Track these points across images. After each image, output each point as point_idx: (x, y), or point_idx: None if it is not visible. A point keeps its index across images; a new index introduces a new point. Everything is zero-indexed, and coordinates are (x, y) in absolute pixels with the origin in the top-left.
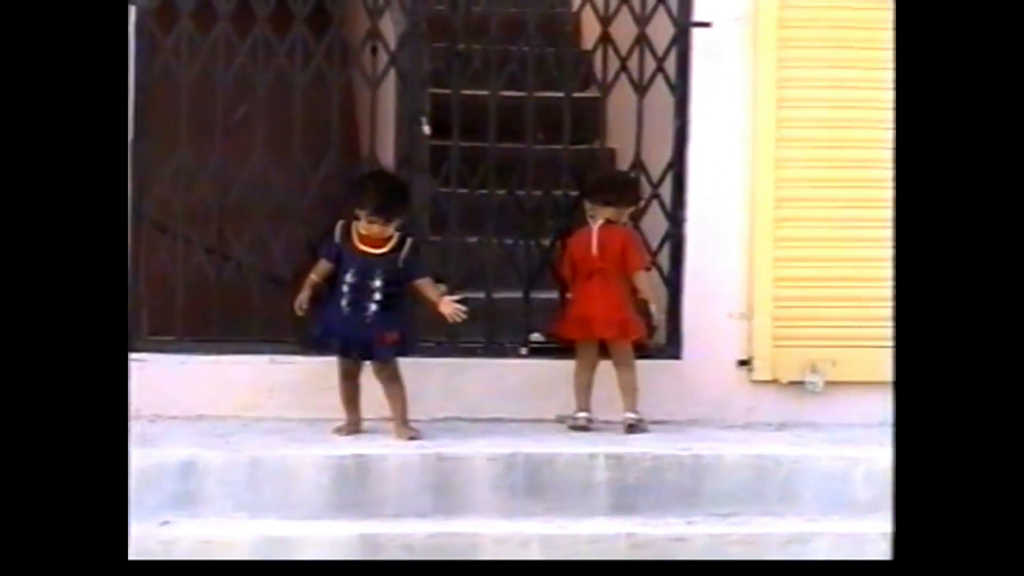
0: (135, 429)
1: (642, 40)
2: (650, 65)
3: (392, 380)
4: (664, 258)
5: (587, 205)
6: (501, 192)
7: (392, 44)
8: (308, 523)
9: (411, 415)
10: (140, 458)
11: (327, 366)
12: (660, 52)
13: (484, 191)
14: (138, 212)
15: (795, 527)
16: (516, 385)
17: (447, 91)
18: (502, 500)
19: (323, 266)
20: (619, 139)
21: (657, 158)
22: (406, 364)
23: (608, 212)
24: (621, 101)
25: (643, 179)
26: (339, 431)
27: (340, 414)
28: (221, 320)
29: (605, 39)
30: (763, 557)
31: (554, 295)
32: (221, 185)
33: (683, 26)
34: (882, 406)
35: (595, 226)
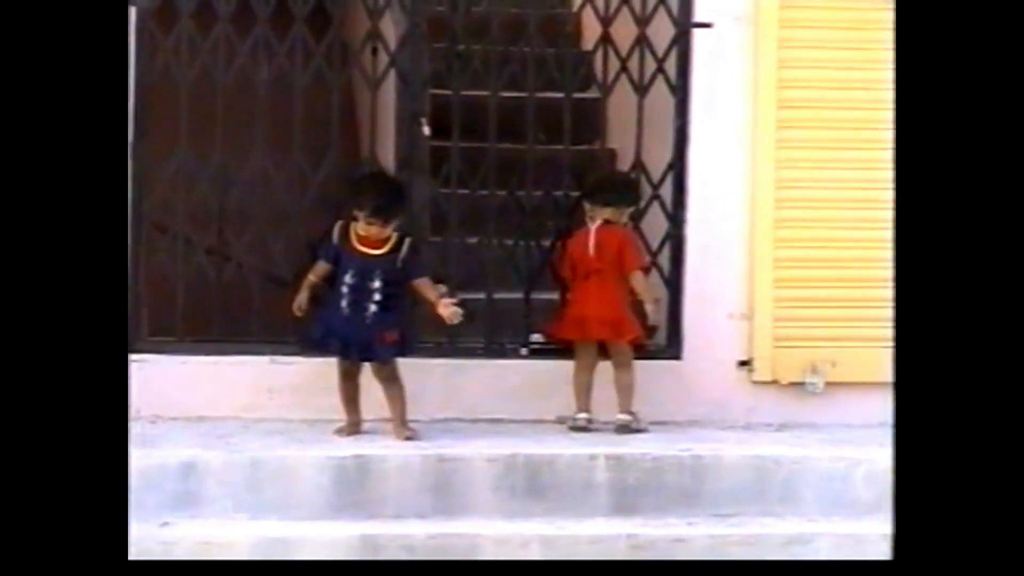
0: (135, 430)
1: (642, 41)
2: (650, 66)
3: (391, 380)
4: (664, 259)
5: (586, 206)
6: (501, 193)
7: (392, 45)
8: (308, 524)
9: (411, 416)
10: (140, 459)
11: (327, 367)
12: (660, 53)
13: (484, 192)
14: (138, 212)
15: (795, 528)
16: (516, 386)
17: (447, 92)
18: (502, 501)
19: (321, 267)
20: (619, 140)
21: (657, 159)
22: (406, 364)
23: (607, 212)
24: (621, 102)
25: (643, 180)
26: (339, 432)
27: (340, 415)
28: (221, 321)
29: (605, 40)
30: (763, 558)
31: (555, 296)
32: (221, 185)
33: (684, 27)
34: (882, 407)
35: (593, 227)
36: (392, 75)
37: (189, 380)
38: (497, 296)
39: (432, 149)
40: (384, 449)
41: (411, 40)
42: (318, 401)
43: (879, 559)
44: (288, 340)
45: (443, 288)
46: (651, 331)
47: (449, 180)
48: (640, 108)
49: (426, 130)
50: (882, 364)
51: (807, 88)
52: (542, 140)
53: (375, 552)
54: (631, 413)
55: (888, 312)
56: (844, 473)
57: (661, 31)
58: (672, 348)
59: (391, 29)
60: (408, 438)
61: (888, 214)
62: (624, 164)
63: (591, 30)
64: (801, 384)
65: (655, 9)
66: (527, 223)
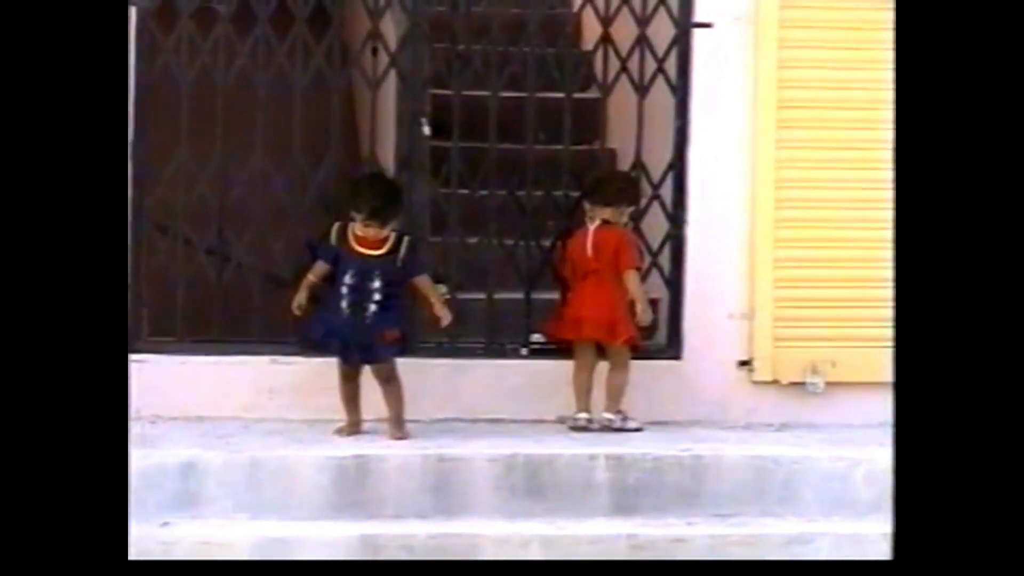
0: (136, 430)
1: (643, 41)
2: (651, 66)
3: (390, 380)
4: (665, 259)
5: (586, 205)
6: (502, 193)
7: (392, 45)
8: (308, 524)
9: (412, 415)
10: (141, 459)
11: (327, 367)
12: (661, 53)
13: (485, 192)
14: (139, 213)
15: (796, 528)
16: (517, 386)
17: (448, 92)
18: (502, 501)
19: (321, 267)
20: (620, 140)
21: (658, 159)
22: (406, 364)
23: (606, 212)
24: (622, 102)
25: (644, 180)
26: (339, 432)
27: (340, 415)
28: (221, 321)
29: (606, 40)
30: (763, 558)
31: (555, 296)
32: (221, 186)
33: (684, 27)
34: (883, 407)
35: (592, 227)
36: (392, 75)
37: (189, 380)
38: (497, 296)
39: (432, 149)
40: (384, 449)
41: (411, 40)
42: (318, 401)
43: (879, 559)
44: (288, 340)
45: (443, 288)
46: (647, 332)
47: (449, 180)
48: (640, 108)
49: (426, 130)
50: (882, 364)
51: (807, 88)
52: (542, 140)
53: (375, 552)
54: (616, 412)
55: (888, 312)
56: (844, 473)
57: (661, 31)
58: (672, 348)
59: (391, 29)
60: (399, 438)
61: (888, 214)
62: (624, 164)
63: (591, 30)
64: (801, 384)
65: (655, 9)
66: (527, 223)
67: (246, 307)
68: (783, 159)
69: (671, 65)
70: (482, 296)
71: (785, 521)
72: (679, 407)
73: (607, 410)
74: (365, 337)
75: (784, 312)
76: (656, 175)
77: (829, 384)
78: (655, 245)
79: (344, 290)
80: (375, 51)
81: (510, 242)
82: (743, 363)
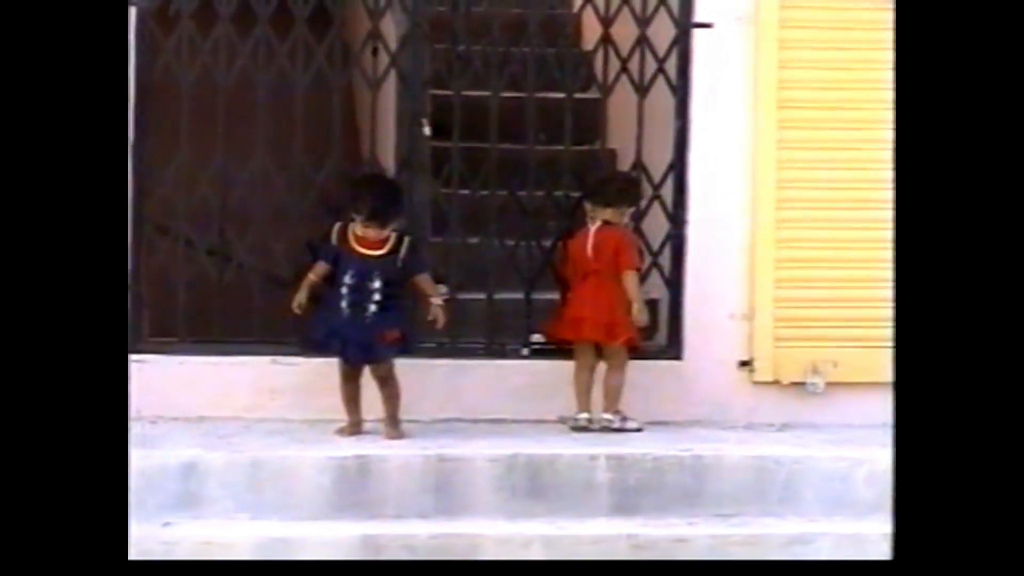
0: (137, 430)
1: (643, 41)
2: (651, 66)
3: (387, 380)
4: (665, 259)
5: (587, 206)
6: (502, 193)
7: (393, 45)
8: (309, 524)
9: (413, 415)
10: (142, 459)
11: (328, 367)
12: (661, 53)
13: (485, 192)
14: (139, 213)
15: (796, 528)
16: (517, 386)
17: (448, 92)
18: (503, 501)
19: (321, 267)
20: (620, 140)
21: (658, 159)
22: (407, 364)
23: (607, 213)
24: (622, 102)
25: (644, 180)
26: (340, 432)
27: (341, 415)
28: (222, 321)
29: (606, 40)
30: (765, 558)
31: (555, 296)
32: (222, 186)
33: (684, 27)
34: (883, 407)
35: (592, 228)
36: (393, 75)
37: (190, 380)
38: (498, 296)
39: (433, 149)
40: (385, 449)
41: (412, 40)
42: (319, 401)
43: (880, 559)
44: (289, 341)
45: (443, 288)
46: (647, 333)
47: (450, 180)
48: (640, 108)
49: (427, 130)
50: (883, 364)
51: (807, 88)
52: (543, 140)
53: (376, 552)
54: (615, 413)
55: (889, 312)
56: (845, 473)
57: (661, 31)
58: (673, 348)
59: (392, 30)
60: (394, 438)
61: (889, 214)
62: (624, 164)
63: (591, 30)
64: (802, 384)
65: (655, 9)
66: (528, 223)
67: (247, 307)
68: (783, 159)
69: (671, 65)
70: (483, 296)
71: (786, 521)
72: (680, 407)
73: (605, 411)
74: (365, 337)
75: (785, 312)
76: (656, 175)
77: (830, 384)
78: (656, 245)
79: (344, 290)
80: (375, 51)
81: (511, 242)
82: (744, 363)
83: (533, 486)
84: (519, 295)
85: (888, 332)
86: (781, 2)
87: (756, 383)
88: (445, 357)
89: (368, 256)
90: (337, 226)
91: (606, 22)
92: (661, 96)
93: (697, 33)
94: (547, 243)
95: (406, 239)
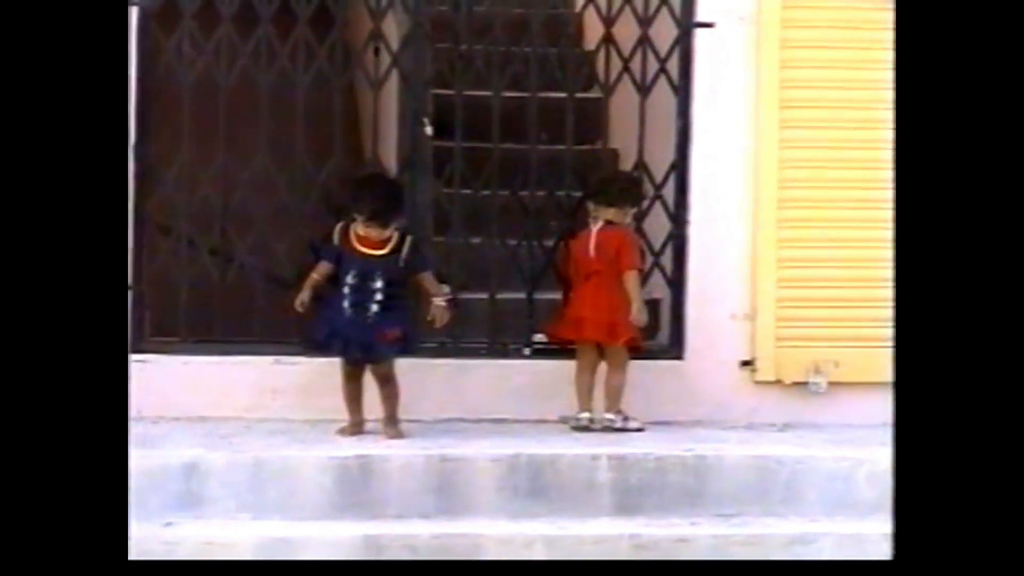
0: (138, 430)
1: (645, 41)
2: (653, 66)
3: (387, 379)
4: (667, 259)
5: (590, 206)
6: (504, 193)
7: (395, 45)
8: (311, 524)
9: (414, 415)
10: (143, 459)
11: (330, 367)
12: (663, 53)
13: (487, 192)
14: (141, 213)
15: (798, 528)
16: (519, 386)
17: (450, 92)
18: (505, 501)
19: (324, 266)
20: (622, 140)
21: (660, 159)
22: (409, 364)
23: (610, 213)
24: (624, 102)
25: (646, 180)
26: (342, 432)
27: (343, 415)
28: (224, 321)
29: (608, 40)
30: (766, 558)
31: (557, 296)
32: (224, 186)
33: (686, 27)
34: (885, 407)
35: (595, 228)
36: (394, 75)
37: (192, 380)
38: (500, 296)
39: (435, 149)
40: (387, 449)
41: (413, 40)
42: (321, 401)
43: (882, 559)
44: (291, 341)
45: (446, 288)
46: (648, 333)
47: (452, 180)
48: (642, 108)
49: (429, 130)
50: (885, 364)
51: (809, 88)
52: (545, 140)
53: (378, 552)
54: (616, 413)
55: (891, 312)
56: (847, 473)
57: (663, 31)
58: (675, 348)
59: (393, 29)
60: (393, 437)
61: (891, 214)
62: (626, 164)
63: (593, 30)
64: (804, 384)
65: (657, 9)
66: (530, 223)
67: (249, 308)
68: (785, 159)
69: (673, 65)
70: (485, 296)
71: (788, 521)
72: (681, 407)
73: (607, 411)
74: (366, 336)
75: (786, 312)
76: (658, 175)
77: (832, 384)
78: (657, 245)
79: (346, 290)
80: (377, 51)
81: (513, 242)
82: (745, 363)
83: (535, 486)
84: (521, 295)
85: (890, 332)
86: (783, 2)
87: (758, 383)
88: (447, 357)
89: (370, 256)
90: (339, 226)
91: (608, 22)
92: (663, 96)
93: (699, 33)
94: (549, 243)
95: (408, 238)
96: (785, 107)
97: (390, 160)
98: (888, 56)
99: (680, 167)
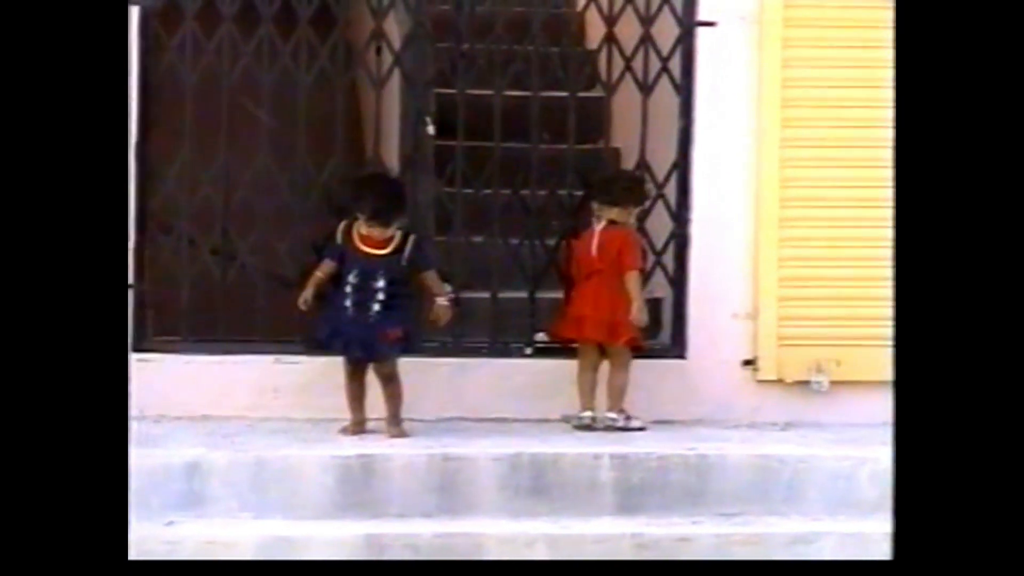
0: (140, 429)
1: (647, 40)
2: (655, 65)
3: (391, 379)
4: (669, 258)
5: (594, 205)
6: (506, 192)
7: (396, 44)
8: (313, 523)
9: (416, 414)
10: (145, 458)
11: (332, 366)
12: (665, 52)
13: (489, 191)
14: (143, 212)
15: (800, 527)
16: (521, 385)
17: (452, 91)
18: (507, 500)
19: (328, 264)
20: (624, 139)
21: (662, 158)
22: (411, 363)
23: (614, 212)
24: (626, 101)
25: (648, 179)
26: (344, 431)
27: (345, 414)
28: (226, 320)
29: (610, 39)
30: (768, 557)
31: (559, 295)
32: (226, 185)
33: (688, 26)
34: (887, 406)
35: (598, 227)
36: (396, 75)
37: (194, 379)
38: (502, 295)
39: (437, 148)
40: (389, 448)
41: (415, 40)
42: (322, 400)
43: (884, 559)
44: (293, 340)
45: (448, 288)
46: (649, 333)
47: (454, 179)
48: (644, 107)
49: (431, 129)
50: (887, 363)
51: (811, 87)
52: (546, 139)
53: (380, 552)
54: (619, 412)
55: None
56: (849, 472)
57: (665, 30)
58: (677, 347)
59: (395, 29)
60: (395, 436)
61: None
62: (628, 163)
63: (595, 29)
64: (806, 383)
65: (659, 8)
66: (532, 222)
67: (250, 307)
68: (787, 158)
69: (675, 64)
70: (486, 295)
71: (790, 520)
72: (683, 406)
73: (609, 410)
74: (368, 336)
75: (788, 311)
76: (660, 174)
77: (834, 383)
78: (659, 244)
79: (348, 289)
80: (379, 50)
81: (514, 241)
82: (747, 362)
83: (537, 485)
84: (523, 294)
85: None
86: (785, 1)
87: (760, 382)
88: (449, 356)
89: (372, 255)
90: (342, 224)
91: (610, 21)
92: (665, 95)
93: (701, 32)
94: (551, 242)
95: (411, 238)
96: (787, 106)
97: (392, 159)
98: (890, 55)
99: (682, 166)
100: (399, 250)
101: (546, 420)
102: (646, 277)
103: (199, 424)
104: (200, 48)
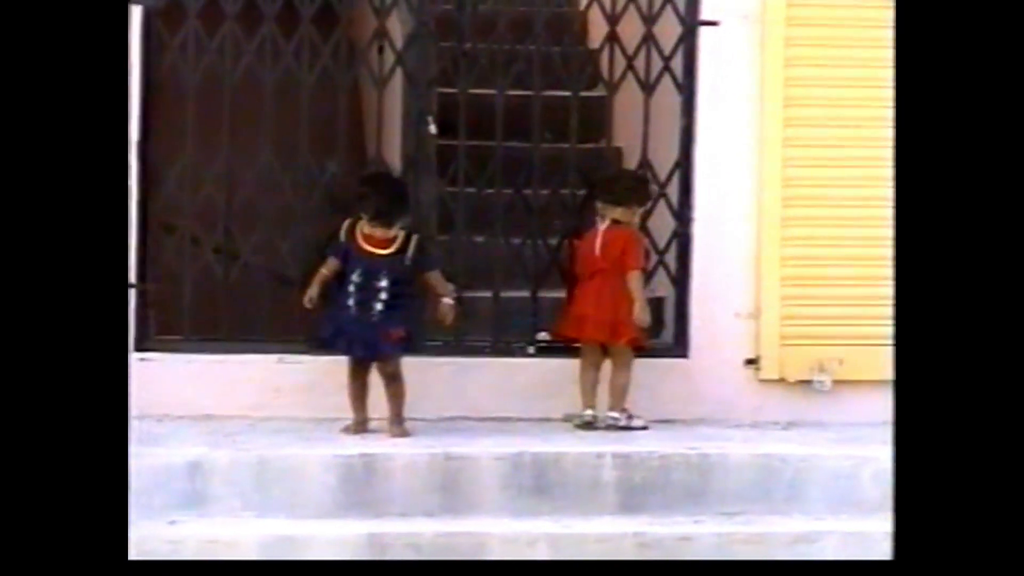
0: (142, 428)
1: (649, 39)
2: (657, 64)
3: (394, 378)
4: (671, 257)
5: (597, 205)
6: (508, 191)
7: (399, 43)
8: (315, 522)
9: (418, 414)
10: (147, 457)
11: (334, 365)
12: (667, 51)
13: (491, 190)
14: (145, 212)
15: (802, 526)
16: (523, 384)
17: (454, 90)
18: (509, 499)
19: (332, 263)
20: (626, 138)
21: (664, 157)
22: (413, 363)
23: (617, 212)
24: (628, 100)
25: (650, 178)
26: (346, 430)
27: (347, 413)
28: (228, 320)
29: (612, 38)
30: (770, 556)
31: (561, 294)
32: (228, 185)
33: (690, 25)
34: (889, 405)
35: (601, 226)
36: (399, 74)
37: (196, 379)
38: (504, 295)
39: (439, 148)
40: (391, 448)
41: (418, 39)
42: (325, 400)
43: (886, 558)
44: (295, 339)
45: (451, 287)
46: (651, 332)
47: (456, 179)
48: (646, 106)
49: (433, 129)
50: (889, 363)
51: (814, 87)
52: (549, 138)
53: (382, 551)
54: (621, 411)
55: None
56: (851, 472)
57: (667, 29)
58: (679, 346)
59: (398, 28)
60: (398, 435)
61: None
62: (630, 162)
63: (597, 28)
64: (808, 382)
65: (662, 7)
66: (534, 221)
67: (253, 306)
68: (789, 157)
69: (677, 63)
70: (489, 295)
71: (792, 519)
72: (685, 405)
73: (611, 409)
74: (370, 335)
75: (791, 310)
76: (662, 174)
77: (836, 382)
78: (661, 243)
79: (351, 288)
80: (381, 50)
81: (517, 240)
82: (750, 361)
83: (539, 484)
84: (525, 293)
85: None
86: (788, 0)
87: (762, 381)
88: (451, 355)
89: (375, 255)
90: (347, 223)
91: (612, 20)
92: (667, 94)
93: (703, 31)
94: (553, 241)
95: (414, 238)
96: (789, 105)
97: (394, 158)
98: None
99: (684, 165)
100: (402, 250)
101: (548, 419)
102: (648, 276)
103: (201, 423)
104: (202, 47)
